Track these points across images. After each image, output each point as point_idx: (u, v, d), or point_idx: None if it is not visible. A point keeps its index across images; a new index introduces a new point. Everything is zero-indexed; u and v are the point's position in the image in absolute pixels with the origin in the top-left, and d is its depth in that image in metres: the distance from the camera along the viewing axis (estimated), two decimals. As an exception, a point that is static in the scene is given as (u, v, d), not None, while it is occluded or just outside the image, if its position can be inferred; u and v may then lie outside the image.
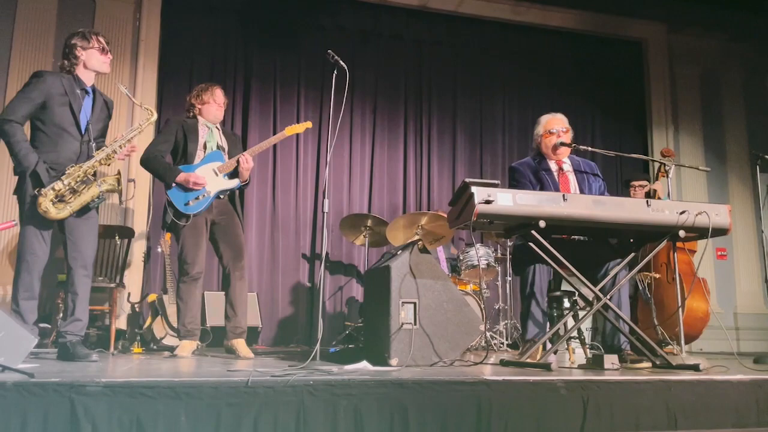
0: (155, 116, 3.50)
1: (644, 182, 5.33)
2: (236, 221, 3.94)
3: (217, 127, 4.02)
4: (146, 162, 3.88)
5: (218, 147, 3.95)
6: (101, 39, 3.39)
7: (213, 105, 3.98)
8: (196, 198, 3.78)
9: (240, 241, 3.92)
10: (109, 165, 3.37)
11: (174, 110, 5.80)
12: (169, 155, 3.95)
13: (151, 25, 5.76)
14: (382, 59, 6.51)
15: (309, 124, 4.22)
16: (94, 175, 3.30)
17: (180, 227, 3.76)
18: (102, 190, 3.24)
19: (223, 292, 5.21)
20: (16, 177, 3.21)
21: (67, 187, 3.14)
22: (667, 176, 3.76)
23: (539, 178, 3.58)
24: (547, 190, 3.46)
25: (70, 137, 3.23)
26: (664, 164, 4.06)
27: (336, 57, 3.42)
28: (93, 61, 3.35)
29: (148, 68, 5.68)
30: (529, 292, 3.38)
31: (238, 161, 3.86)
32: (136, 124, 3.45)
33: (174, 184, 3.78)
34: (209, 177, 3.83)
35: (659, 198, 4.83)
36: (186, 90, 5.80)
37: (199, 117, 3.97)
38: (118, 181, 3.29)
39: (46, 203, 3.10)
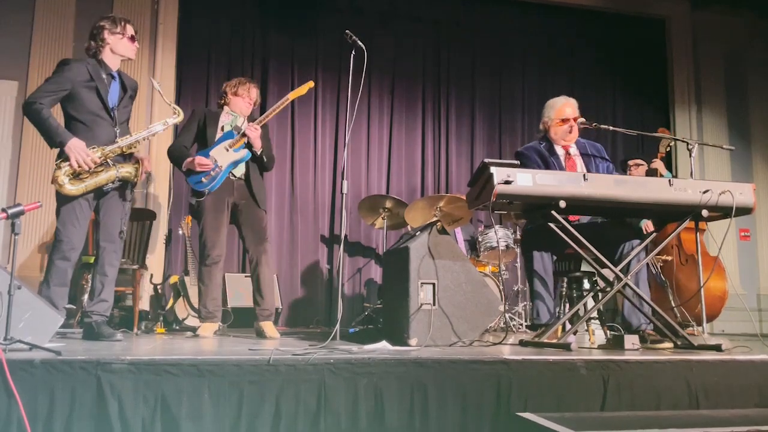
0: (181, 116, 3.49)
1: (639, 161, 5.24)
2: (258, 207, 3.95)
3: (241, 116, 4.04)
4: (168, 152, 4.00)
5: (234, 128, 3.95)
6: (130, 27, 3.40)
7: (244, 100, 4.03)
8: (209, 176, 3.82)
9: (261, 225, 3.93)
10: (131, 153, 3.36)
11: (193, 93, 5.85)
12: (195, 144, 4.00)
13: (169, 7, 5.77)
14: (399, 41, 6.46)
15: (311, 84, 4.18)
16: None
17: (201, 211, 3.80)
18: (118, 175, 3.25)
19: (243, 274, 5.31)
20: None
21: (87, 168, 3.16)
22: (691, 155, 3.70)
23: (546, 163, 3.56)
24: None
25: (103, 122, 3.26)
26: (688, 143, 3.99)
27: (354, 37, 3.40)
28: (119, 47, 3.35)
29: (167, 51, 5.70)
30: (529, 268, 3.41)
31: (245, 133, 3.87)
32: (164, 120, 3.44)
33: (184, 170, 3.86)
34: (221, 154, 3.86)
35: (661, 175, 4.75)
36: (204, 72, 5.87)
37: (226, 107, 4.03)
38: (136, 170, 3.31)
39: (62, 177, 3.13)
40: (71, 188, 3.14)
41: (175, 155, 3.94)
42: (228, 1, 6.06)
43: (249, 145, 3.91)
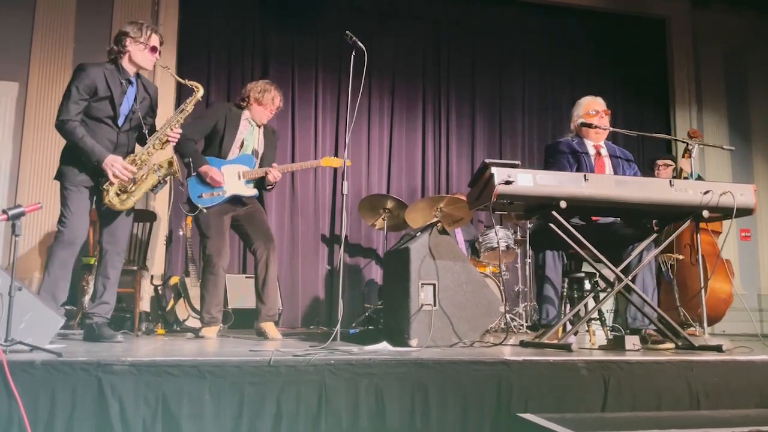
0: (201, 91, 3.47)
1: (669, 161, 5.27)
2: (260, 207, 3.94)
3: (258, 126, 3.95)
4: (178, 143, 3.72)
5: (253, 151, 3.90)
6: (155, 36, 3.36)
7: (267, 109, 3.92)
8: (211, 194, 3.76)
9: (267, 225, 3.93)
10: (163, 149, 3.38)
11: (192, 94, 5.82)
12: (202, 140, 3.90)
13: (169, 8, 5.77)
14: (400, 40, 6.46)
15: (348, 163, 4.16)
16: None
17: (205, 220, 3.75)
18: (160, 175, 3.28)
19: (244, 275, 5.31)
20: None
21: (127, 179, 3.19)
22: (690, 156, 3.70)
23: (577, 159, 3.57)
24: (584, 172, 3.43)
25: (107, 128, 3.25)
26: (687, 144, 4.00)
27: (354, 38, 3.38)
28: (138, 55, 3.32)
29: (167, 52, 5.67)
30: (541, 274, 3.39)
31: (266, 173, 3.82)
32: (181, 105, 3.44)
33: (194, 174, 3.76)
34: (231, 178, 3.78)
35: (685, 176, 4.77)
36: (204, 73, 5.86)
37: (246, 110, 3.92)
38: (170, 164, 3.30)
39: (110, 196, 3.17)
40: (122, 203, 3.20)
41: (186, 152, 3.76)
42: (228, 1, 6.06)
43: (259, 180, 3.88)
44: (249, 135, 3.90)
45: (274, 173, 3.85)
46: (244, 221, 3.89)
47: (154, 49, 3.37)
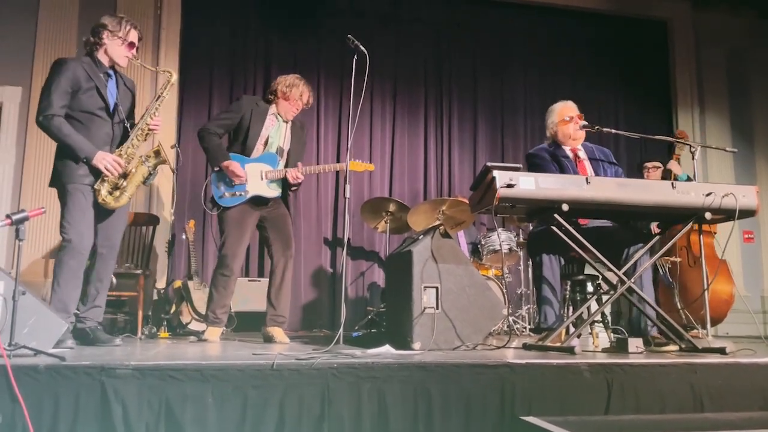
0: (175, 76, 3.41)
1: (657, 163, 5.26)
2: (285, 211, 3.90)
3: (285, 121, 3.90)
4: (201, 136, 3.78)
5: (278, 150, 3.84)
6: (133, 32, 3.29)
7: (293, 105, 3.86)
8: (233, 193, 3.73)
9: (289, 230, 3.88)
10: (146, 140, 3.34)
11: (196, 98, 5.85)
12: (226, 135, 3.85)
13: (172, 12, 5.79)
14: (401, 43, 6.47)
15: (371, 167, 4.11)
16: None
17: (227, 220, 3.73)
18: (149, 166, 3.24)
19: (247, 278, 5.31)
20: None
21: (118, 174, 3.15)
22: (693, 158, 3.69)
23: (560, 165, 3.56)
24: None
25: (101, 121, 3.19)
26: (690, 146, 4.00)
27: (356, 42, 3.39)
28: (114, 50, 3.25)
29: (170, 56, 5.71)
30: (538, 274, 3.39)
31: (286, 173, 3.78)
32: (157, 93, 3.39)
33: (216, 169, 3.73)
34: (254, 177, 3.74)
35: (675, 177, 4.75)
36: (207, 78, 5.88)
37: (273, 105, 3.87)
38: (157, 153, 3.27)
39: (103, 195, 3.12)
40: (116, 201, 3.15)
41: (210, 146, 3.72)
42: (229, 7, 6.08)
43: (281, 180, 3.83)
44: (275, 132, 3.85)
45: (293, 173, 3.78)
46: (268, 223, 3.85)
47: (131, 45, 3.30)
